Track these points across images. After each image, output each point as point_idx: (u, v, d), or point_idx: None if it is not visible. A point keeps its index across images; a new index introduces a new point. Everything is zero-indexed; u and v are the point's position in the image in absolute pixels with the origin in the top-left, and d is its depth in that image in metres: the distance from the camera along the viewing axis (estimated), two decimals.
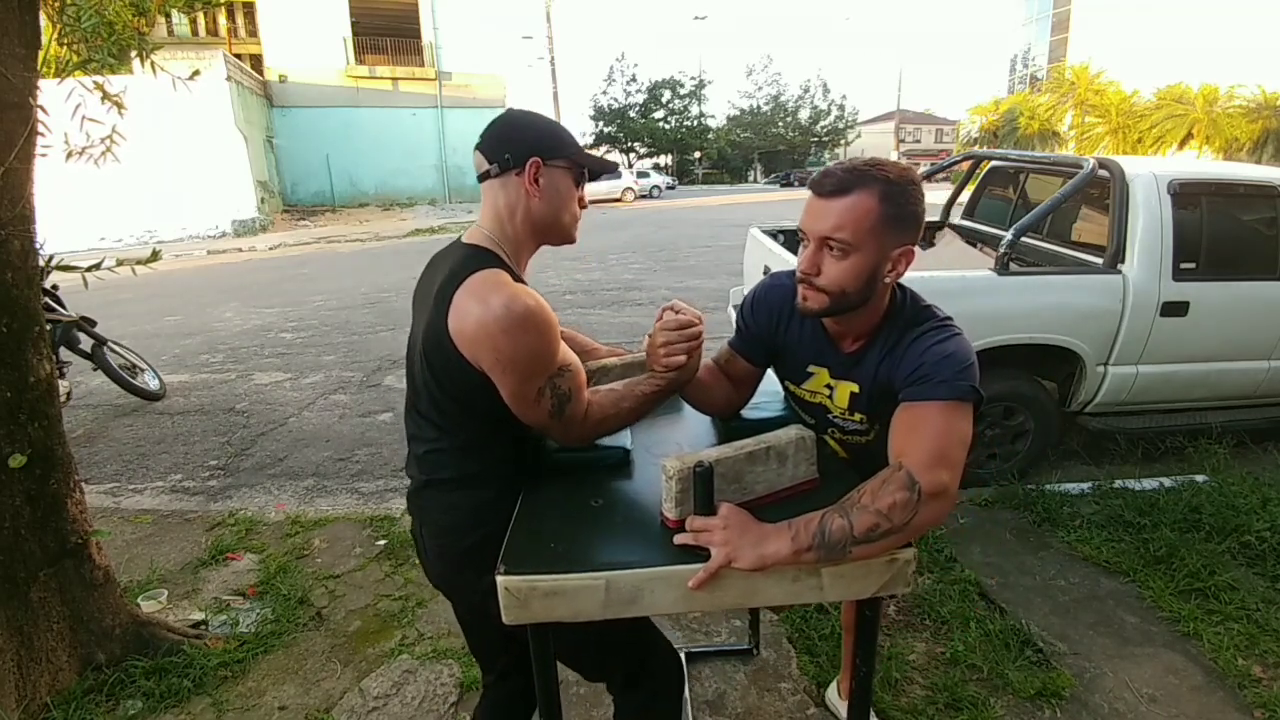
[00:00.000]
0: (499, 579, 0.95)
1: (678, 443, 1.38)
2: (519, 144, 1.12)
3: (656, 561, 0.99)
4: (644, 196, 27.07)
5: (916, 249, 1.16)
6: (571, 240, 1.22)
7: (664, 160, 43.43)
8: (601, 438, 1.21)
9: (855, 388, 1.24)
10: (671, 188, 29.39)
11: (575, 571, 0.97)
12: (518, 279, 1.11)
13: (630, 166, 33.74)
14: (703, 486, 1.01)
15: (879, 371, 1.19)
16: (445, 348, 1.06)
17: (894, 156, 32.55)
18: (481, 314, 1.02)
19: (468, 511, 1.18)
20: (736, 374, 1.39)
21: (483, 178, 1.15)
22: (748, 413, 1.45)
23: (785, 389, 1.42)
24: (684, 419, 1.50)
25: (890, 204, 1.07)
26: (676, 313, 1.20)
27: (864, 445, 1.33)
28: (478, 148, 1.15)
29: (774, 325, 1.32)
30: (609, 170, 1.25)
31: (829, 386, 1.29)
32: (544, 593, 0.95)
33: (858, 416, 1.28)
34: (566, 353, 1.11)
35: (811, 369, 1.30)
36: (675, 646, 2.14)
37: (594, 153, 1.27)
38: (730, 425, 1.42)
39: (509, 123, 1.16)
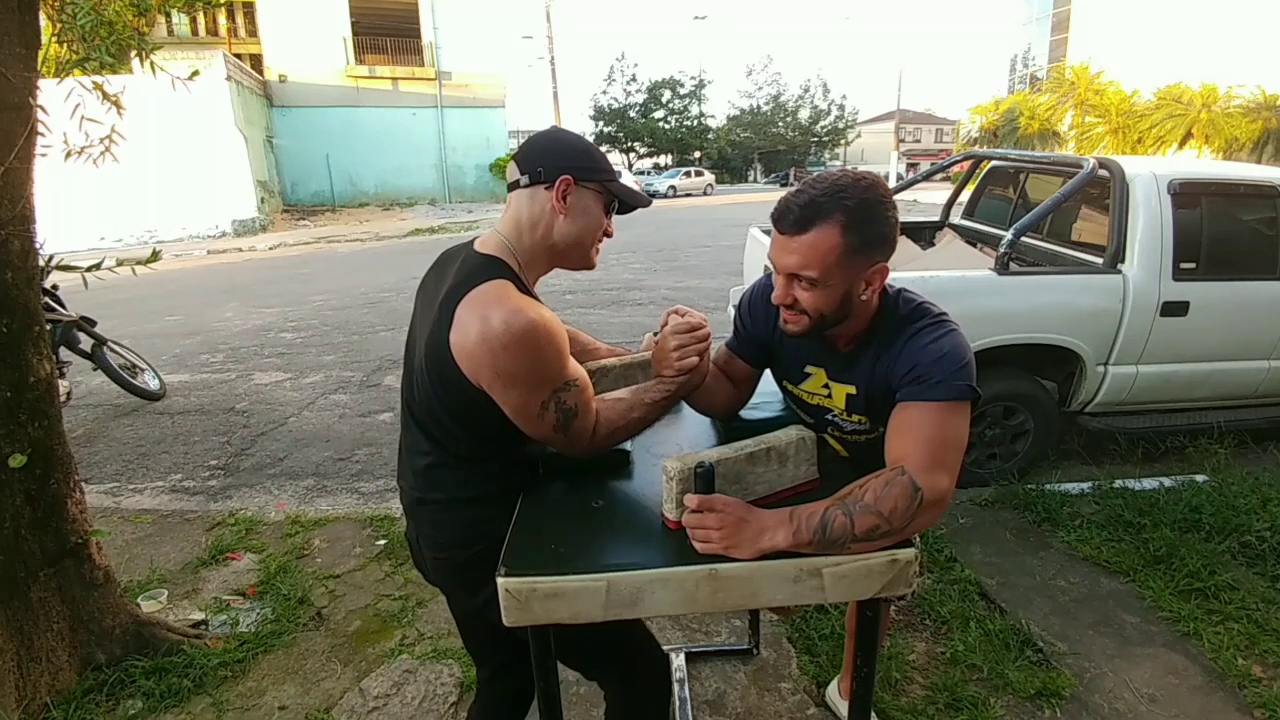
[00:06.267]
0: (499, 580, 0.95)
1: (678, 443, 1.38)
2: (554, 158, 1.10)
3: (657, 563, 0.99)
4: (686, 196, 28.60)
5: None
6: (590, 265, 1.19)
7: (664, 160, 43.43)
8: (608, 447, 1.19)
9: (852, 389, 1.24)
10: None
11: (576, 573, 0.96)
12: (526, 291, 1.09)
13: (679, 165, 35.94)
14: (704, 487, 1.01)
15: (875, 371, 1.19)
16: (446, 363, 1.04)
17: (894, 156, 32.45)
18: (481, 330, 1.00)
19: (462, 529, 1.17)
20: (735, 374, 1.39)
21: (512, 187, 1.14)
22: (747, 413, 1.44)
23: (783, 389, 1.41)
24: (683, 420, 1.49)
25: (854, 233, 1.05)
26: (682, 316, 1.21)
27: (865, 442, 1.32)
28: (513, 157, 1.15)
29: (770, 325, 1.31)
30: (642, 204, 1.22)
31: (826, 387, 1.29)
32: (544, 594, 0.95)
33: (857, 417, 1.27)
34: (573, 367, 1.09)
35: (809, 370, 1.30)
36: (675, 646, 2.15)
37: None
38: (730, 426, 1.42)
39: (549, 137, 1.15)
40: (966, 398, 1.07)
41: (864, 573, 0.99)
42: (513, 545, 1.02)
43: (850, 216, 1.04)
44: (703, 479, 1.01)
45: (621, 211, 1.19)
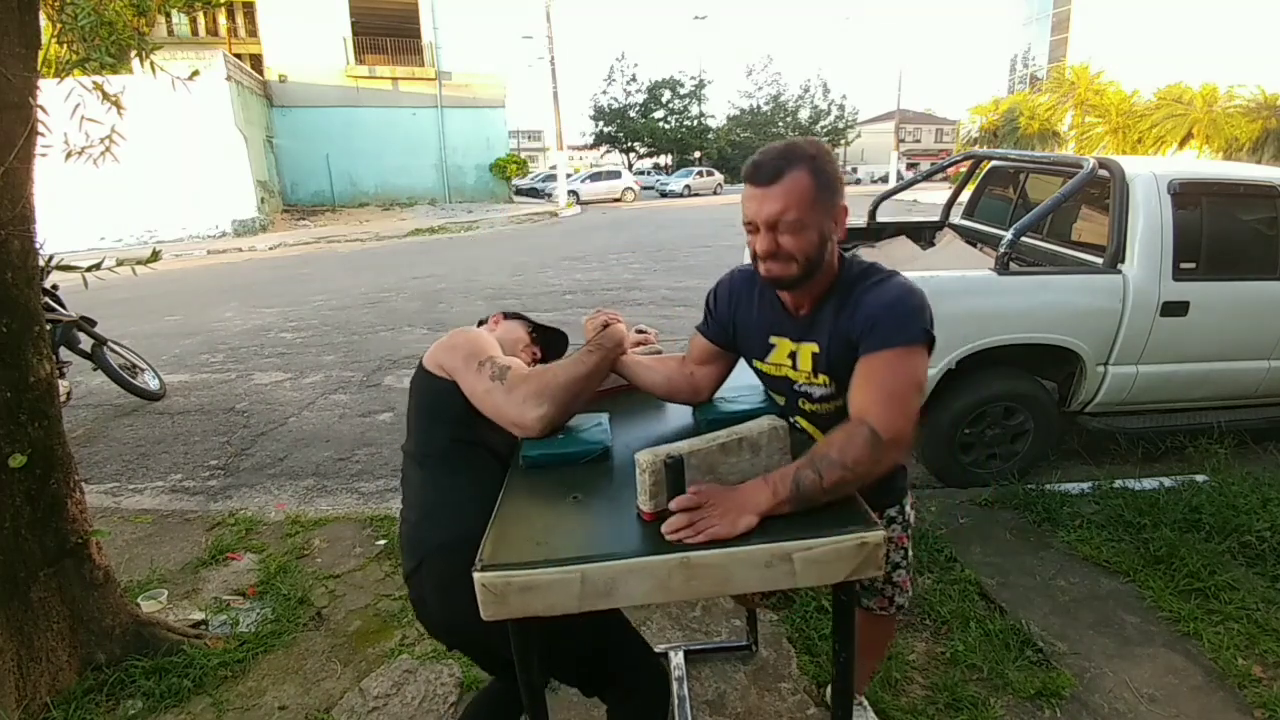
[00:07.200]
0: (475, 575, 0.96)
1: (659, 437, 1.40)
2: (494, 311, 1.68)
3: (631, 553, 1.00)
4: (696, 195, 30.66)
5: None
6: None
7: (664, 160, 43.42)
8: (555, 406, 1.27)
9: (815, 347, 1.31)
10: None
11: (550, 565, 0.97)
12: None
13: (698, 163, 38.44)
14: (674, 478, 1.03)
15: (836, 326, 1.27)
16: (421, 376, 1.37)
17: (894, 156, 32.62)
18: (440, 338, 1.39)
19: (461, 515, 1.22)
20: (699, 354, 1.49)
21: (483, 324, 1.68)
22: (726, 405, 1.48)
23: (753, 369, 1.46)
24: (666, 416, 1.52)
25: (820, 175, 1.19)
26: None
27: (834, 412, 1.35)
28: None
29: (734, 307, 1.43)
30: (560, 343, 1.71)
31: (792, 355, 1.35)
32: (520, 587, 0.96)
33: (821, 379, 1.32)
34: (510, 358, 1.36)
35: (772, 340, 1.37)
36: (674, 645, 2.16)
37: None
38: (709, 419, 1.44)
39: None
40: (920, 341, 1.18)
41: (833, 556, 1.00)
42: (490, 540, 1.03)
43: (813, 163, 1.19)
44: (672, 469, 1.03)
45: (545, 348, 1.66)
